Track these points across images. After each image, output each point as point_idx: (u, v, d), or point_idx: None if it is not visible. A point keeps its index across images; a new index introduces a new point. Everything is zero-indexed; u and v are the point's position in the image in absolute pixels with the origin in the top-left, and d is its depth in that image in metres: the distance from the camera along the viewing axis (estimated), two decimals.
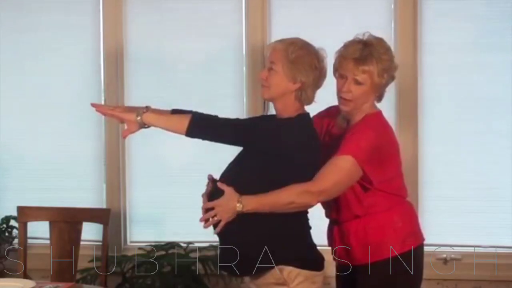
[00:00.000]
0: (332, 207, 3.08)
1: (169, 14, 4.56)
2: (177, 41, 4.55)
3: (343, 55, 3.01)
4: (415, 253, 3.03)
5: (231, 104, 4.44)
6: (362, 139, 2.95)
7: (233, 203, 2.86)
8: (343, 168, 2.91)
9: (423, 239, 3.14)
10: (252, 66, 4.45)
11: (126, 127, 3.01)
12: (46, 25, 4.65)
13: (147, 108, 2.98)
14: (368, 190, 2.99)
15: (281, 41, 3.05)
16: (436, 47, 4.33)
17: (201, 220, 3.00)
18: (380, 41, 3.03)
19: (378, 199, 3.00)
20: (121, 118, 2.97)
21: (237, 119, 3.14)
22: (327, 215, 3.15)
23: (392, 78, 3.04)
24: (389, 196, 3.02)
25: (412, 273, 3.02)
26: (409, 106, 4.32)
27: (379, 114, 3.08)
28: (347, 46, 3.02)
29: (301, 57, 2.97)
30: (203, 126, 2.95)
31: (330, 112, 3.19)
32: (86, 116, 4.60)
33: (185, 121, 2.92)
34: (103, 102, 4.57)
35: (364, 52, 2.97)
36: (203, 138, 3.00)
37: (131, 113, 2.96)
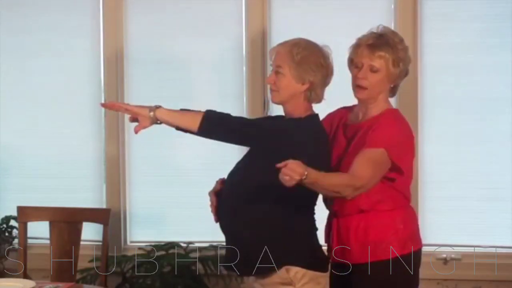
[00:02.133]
0: (336, 198, 3.04)
1: (169, 14, 4.56)
2: (177, 41, 4.55)
3: (358, 43, 3.01)
4: (413, 257, 3.01)
5: (231, 104, 4.43)
6: (392, 131, 2.95)
7: (301, 169, 2.68)
8: (379, 161, 2.89)
9: (421, 245, 3.11)
10: (252, 66, 4.45)
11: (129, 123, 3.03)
12: (46, 25, 4.65)
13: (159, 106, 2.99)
14: (394, 181, 2.96)
15: (284, 43, 3.05)
16: (436, 47, 4.33)
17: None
18: (394, 32, 3.07)
19: (385, 197, 2.98)
20: (135, 112, 2.96)
21: (249, 119, 3.14)
22: (327, 207, 3.12)
23: (406, 71, 3.04)
24: (398, 194, 3.00)
25: (409, 277, 3.01)
26: (409, 106, 4.31)
27: (398, 110, 3.11)
28: (361, 36, 3.03)
29: (307, 57, 2.98)
30: (215, 124, 2.93)
31: (341, 111, 3.19)
32: (86, 116, 4.61)
33: (197, 118, 2.91)
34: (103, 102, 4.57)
35: (379, 40, 2.98)
36: (214, 137, 2.98)
37: (144, 109, 2.96)
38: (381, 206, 2.99)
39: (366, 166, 2.86)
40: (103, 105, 3.24)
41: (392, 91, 3.08)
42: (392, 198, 3.00)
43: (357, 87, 3.01)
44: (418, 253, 3.06)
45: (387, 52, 2.96)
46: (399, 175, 2.97)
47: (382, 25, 3.05)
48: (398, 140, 2.95)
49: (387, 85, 3.02)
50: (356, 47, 3.02)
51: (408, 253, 2.99)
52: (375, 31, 3.02)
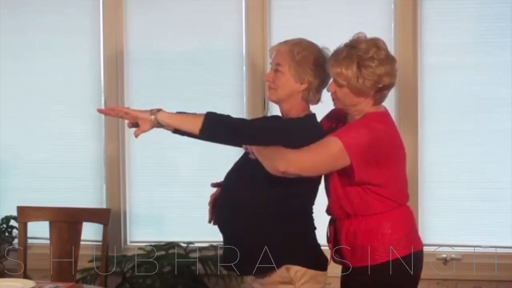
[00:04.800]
0: (329, 202, 3.05)
1: (169, 14, 4.56)
2: (177, 41, 4.55)
3: (332, 53, 2.97)
4: (403, 262, 2.93)
5: (231, 104, 4.44)
6: (354, 131, 2.90)
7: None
8: (329, 148, 2.85)
9: (418, 248, 3.01)
10: (252, 66, 4.45)
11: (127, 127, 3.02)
12: (46, 26, 4.65)
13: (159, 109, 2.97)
14: (352, 184, 2.91)
15: (285, 42, 3.06)
16: (436, 47, 4.33)
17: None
18: (368, 45, 2.91)
19: (370, 201, 2.94)
20: (136, 116, 2.93)
21: (249, 120, 3.14)
22: (326, 210, 3.11)
23: (377, 83, 2.88)
24: (383, 199, 2.94)
25: (400, 282, 2.95)
26: (409, 106, 4.31)
27: (380, 114, 2.99)
28: (337, 47, 2.96)
29: (307, 57, 2.98)
30: (216, 125, 2.91)
31: (339, 113, 3.15)
32: (86, 116, 4.61)
33: (199, 120, 2.90)
34: (103, 102, 4.57)
35: (344, 54, 2.90)
36: (215, 138, 2.96)
37: (145, 112, 2.95)
38: (365, 210, 2.94)
39: (313, 147, 2.85)
40: (100, 111, 3.18)
41: (374, 99, 2.94)
42: (377, 202, 2.94)
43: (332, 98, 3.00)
44: (409, 258, 2.95)
45: (344, 68, 2.87)
46: (353, 178, 2.89)
47: (362, 34, 2.95)
48: (361, 141, 2.86)
49: (357, 98, 2.92)
50: (331, 57, 2.96)
51: (397, 258, 2.91)
52: (349, 40, 2.94)
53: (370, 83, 2.89)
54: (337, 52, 2.94)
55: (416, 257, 2.99)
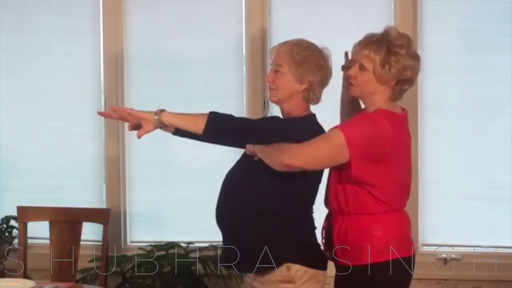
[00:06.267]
0: (328, 194, 3.04)
1: (169, 14, 4.56)
2: (177, 41, 4.55)
3: (361, 39, 2.97)
4: (391, 266, 2.90)
5: (231, 104, 4.44)
6: (357, 124, 2.90)
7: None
8: (331, 140, 2.86)
9: (408, 254, 2.96)
10: (252, 66, 4.45)
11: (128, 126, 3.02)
12: (47, 26, 4.65)
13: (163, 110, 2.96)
14: (349, 181, 2.90)
15: (285, 43, 3.07)
16: (436, 47, 4.33)
17: None
18: (400, 35, 2.95)
19: (364, 201, 2.92)
20: (139, 116, 2.92)
21: (251, 119, 3.15)
22: (324, 201, 3.09)
23: (400, 74, 2.91)
24: (377, 201, 2.92)
25: (387, 285, 2.93)
26: (409, 106, 4.28)
27: (392, 113, 2.95)
28: (368, 33, 2.98)
29: (307, 57, 2.99)
30: (220, 124, 2.91)
31: None
32: (86, 116, 4.61)
33: (202, 120, 2.89)
34: (103, 102, 4.58)
35: (374, 38, 2.92)
36: (218, 138, 2.95)
37: (148, 113, 2.94)
38: (358, 209, 2.93)
39: (316, 140, 2.87)
40: (101, 113, 3.16)
41: (393, 91, 2.94)
42: (371, 203, 2.92)
43: (348, 84, 3.00)
44: (398, 263, 2.92)
45: (373, 52, 2.89)
46: (350, 173, 2.88)
47: (393, 26, 3.00)
48: (363, 136, 2.84)
49: (378, 86, 2.92)
50: (360, 40, 2.97)
51: (385, 261, 2.89)
52: (382, 29, 2.96)
53: (394, 71, 2.91)
54: (368, 36, 2.95)
55: (405, 263, 2.95)
